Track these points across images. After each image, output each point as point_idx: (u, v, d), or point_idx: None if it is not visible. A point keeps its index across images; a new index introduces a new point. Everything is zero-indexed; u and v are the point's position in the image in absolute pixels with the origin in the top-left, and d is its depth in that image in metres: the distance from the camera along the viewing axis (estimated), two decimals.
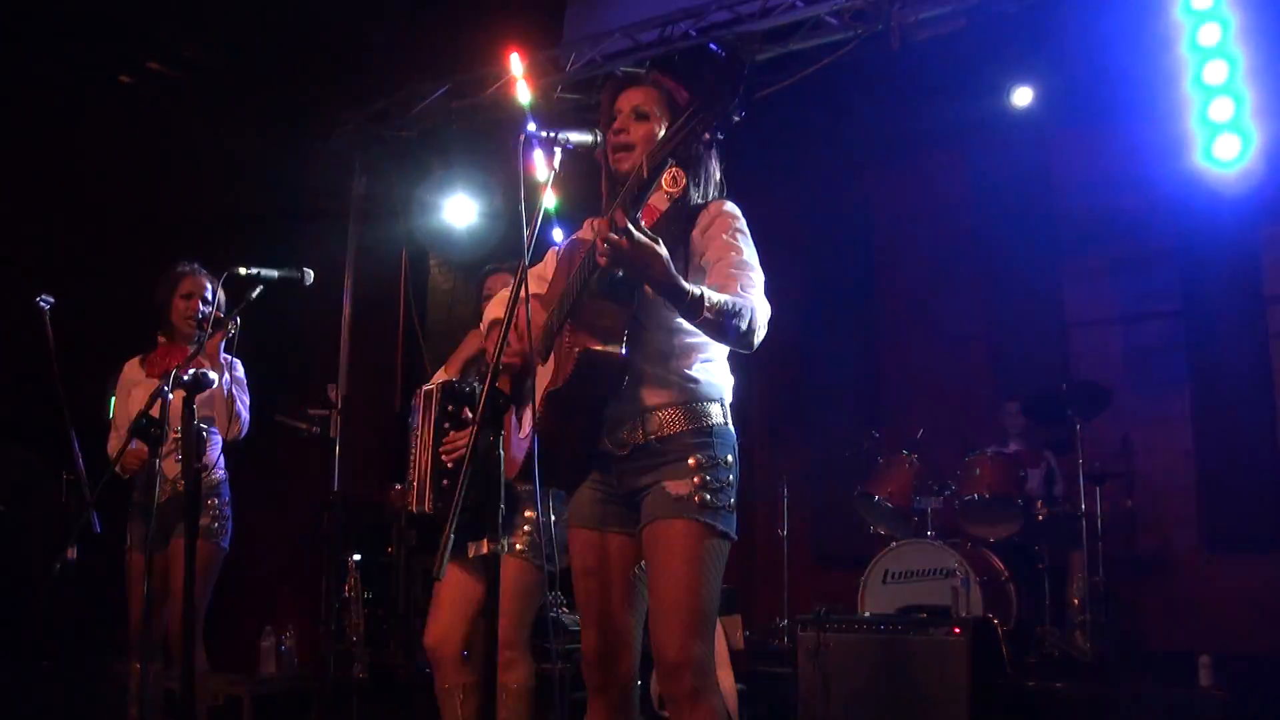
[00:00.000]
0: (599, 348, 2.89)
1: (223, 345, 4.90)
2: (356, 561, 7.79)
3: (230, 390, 4.90)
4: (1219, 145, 6.73)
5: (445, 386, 4.42)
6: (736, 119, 2.77)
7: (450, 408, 4.36)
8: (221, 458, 5.13)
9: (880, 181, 9.14)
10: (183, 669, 3.64)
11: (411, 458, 4.54)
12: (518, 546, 4.36)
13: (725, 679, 5.83)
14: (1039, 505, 7.14)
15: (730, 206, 3.11)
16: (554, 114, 7.59)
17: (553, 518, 4.29)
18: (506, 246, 2.86)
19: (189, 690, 3.36)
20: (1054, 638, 6.80)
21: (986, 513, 7.20)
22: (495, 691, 2.82)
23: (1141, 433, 7.71)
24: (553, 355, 3.05)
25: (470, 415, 4.31)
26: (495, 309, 3.52)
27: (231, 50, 8.09)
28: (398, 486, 4.85)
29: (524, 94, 7.51)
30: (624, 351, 2.90)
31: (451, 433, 4.30)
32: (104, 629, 5.87)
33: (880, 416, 8.78)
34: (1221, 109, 6.70)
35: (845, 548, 8.23)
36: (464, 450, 4.22)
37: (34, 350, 4.95)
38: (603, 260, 2.75)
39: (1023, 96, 7.48)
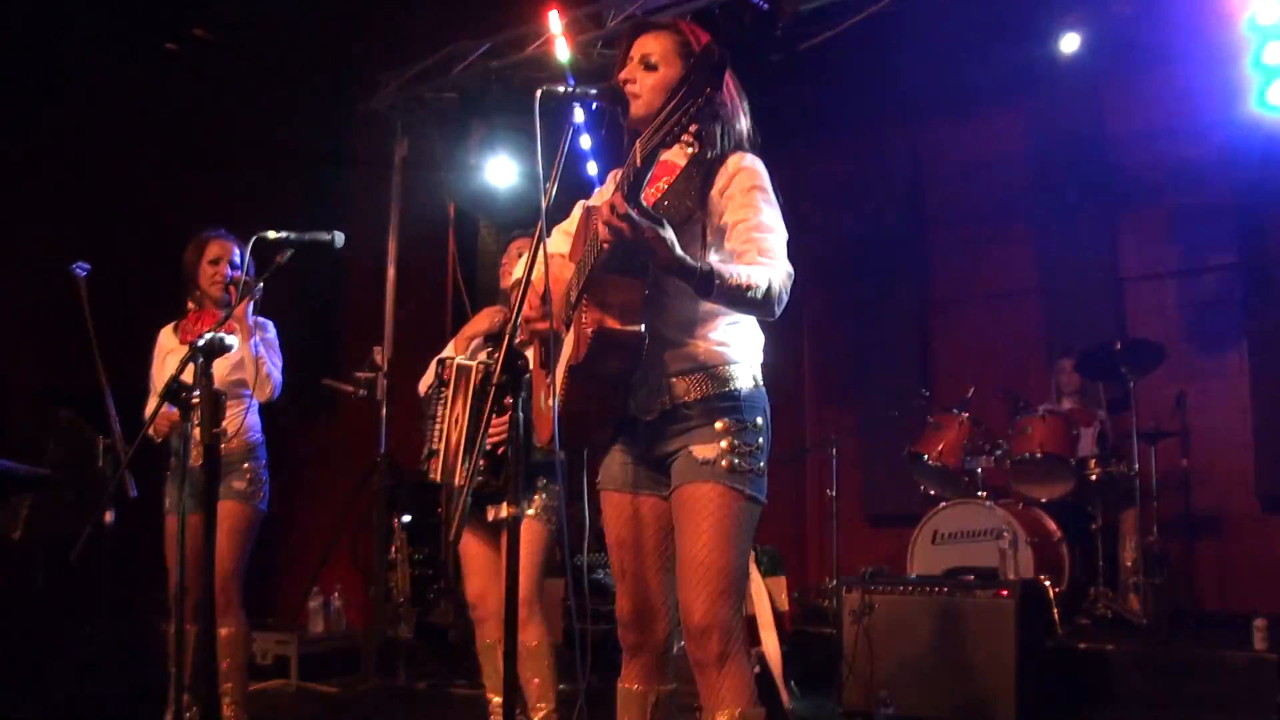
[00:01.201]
0: (615, 326, 2.81)
1: (250, 308, 4.90)
2: (404, 522, 7.82)
3: (259, 351, 4.90)
4: (1276, 90, 6.52)
5: (486, 371, 4.45)
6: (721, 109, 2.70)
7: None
8: (258, 420, 5.13)
9: (930, 134, 8.97)
10: (201, 634, 3.62)
11: (438, 428, 4.58)
12: (531, 511, 4.44)
13: (769, 641, 5.79)
14: (1092, 464, 6.98)
15: (749, 161, 2.99)
16: (594, 71, 7.49)
17: (557, 487, 4.38)
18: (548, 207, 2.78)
19: (210, 656, 3.29)
20: (1107, 599, 6.69)
21: (1038, 472, 7.08)
22: (515, 652, 2.82)
23: (1197, 389, 7.55)
24: (573, 327, 2.99)
25: (512, 402, 4.34)
26: (518, 270, 3.49)
27: (272, 14, 8.06)
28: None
29: (563, 52, 7.43)
30: (642, 329, 2.82)
31: (494, 418, 4.33)
32: (146, 590, 5.93)
33: (931, 374, 8.68)
34: (1278, 51, 6.48)
35: (896, 508, 8.16)
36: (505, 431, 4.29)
37: (73, 317, 4.97)
38: (605, 246, 2.70)
39: (1070, 43, 7.29)
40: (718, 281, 2.73)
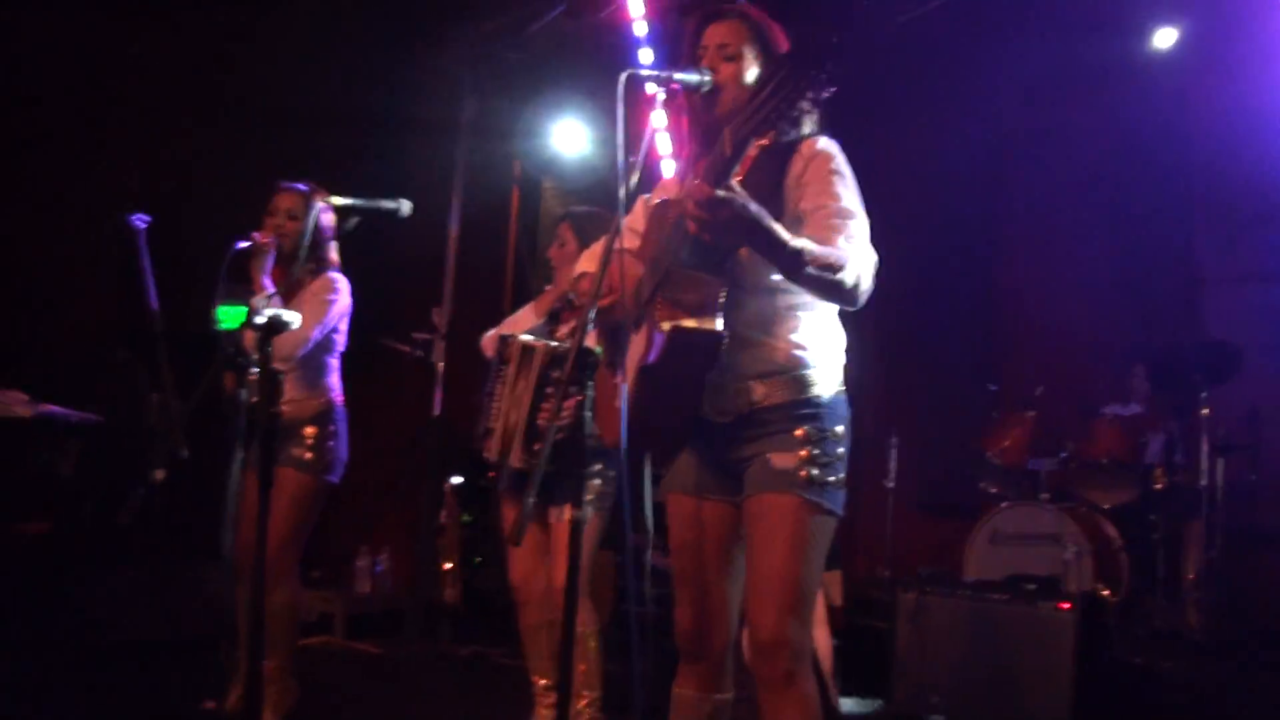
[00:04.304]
0: (692, 324, 2.69)
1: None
2: (454, 486, 7.75)
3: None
4: None
5: (553, 353, 4.36)
6: (826, 93, 2.54)
7: (555, 374, 4.29)
8: (327, 382, 4.85)
9: (1013, 121, 8.68)
10: (248, 602, 3.50)
11: (496, 406, 4.49)
12: (587, 497, 4.31)
13: (821, 636, 5.69)
14: (1158, 473, 6.83)
15: (825, 144, 2.87)
16: (671, 36, 7.33)
17: (612, 473, 4.31)
18: (616, 176, 2.66)
19: (257, 629, 3.15)
20: (1164, 612, 6.54)
21: (1103, 478, 6.94)
22: (572, 643, 2.75)
23: (1272, 400, 7.31)
24: (645, 326, 2.87)
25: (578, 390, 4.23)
26: (585, 262, 3.37)
27: None
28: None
29: (640, 24, 7.27)
30: (720, 327, 2.70)
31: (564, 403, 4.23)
32: (192, 542, 5.93)
33: (998, 369, 8.47)
34: None
35: (952, 500, 8.00)
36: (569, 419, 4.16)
37: (134, 269, 4.90)
38: (693, 230, 2.55)
39: (1165, 38, 7.08)
40: (808, 257, 2.59)
